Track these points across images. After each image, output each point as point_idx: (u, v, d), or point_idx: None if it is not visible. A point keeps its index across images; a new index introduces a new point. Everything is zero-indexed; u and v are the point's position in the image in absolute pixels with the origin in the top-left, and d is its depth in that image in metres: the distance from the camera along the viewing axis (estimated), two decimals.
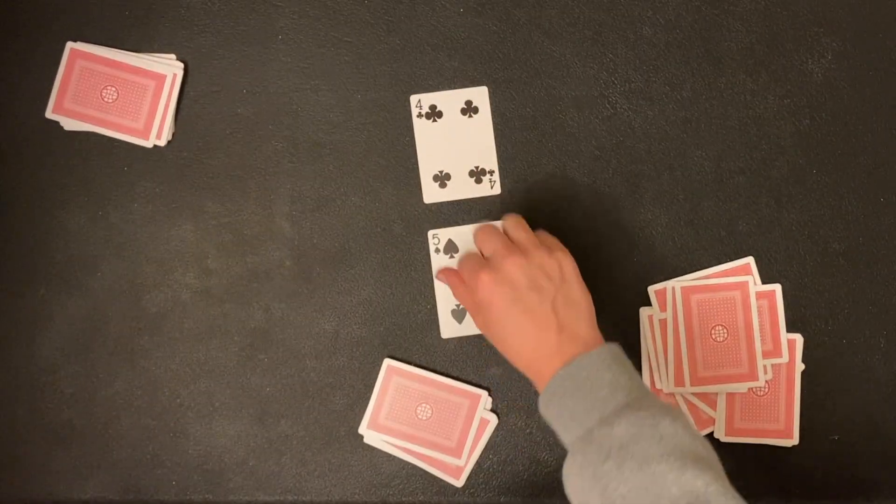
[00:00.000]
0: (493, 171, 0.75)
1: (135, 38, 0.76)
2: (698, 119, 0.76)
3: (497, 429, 0.75)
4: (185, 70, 0.75)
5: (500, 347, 0.66)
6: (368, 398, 0.75)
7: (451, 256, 0.74)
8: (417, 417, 0.74)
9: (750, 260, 0.75)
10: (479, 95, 0.75)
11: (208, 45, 0.76)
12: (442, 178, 0.75)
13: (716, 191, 0.75)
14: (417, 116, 0.75)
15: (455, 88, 0.75)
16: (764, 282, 0.75)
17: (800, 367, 0.74)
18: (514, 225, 0.69)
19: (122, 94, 0.75)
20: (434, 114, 0.75)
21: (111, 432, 0.75)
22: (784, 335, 0.74)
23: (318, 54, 0.76)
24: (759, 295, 0.74)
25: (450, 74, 0.76)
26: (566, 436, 0.61)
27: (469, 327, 0.74)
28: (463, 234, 0.74)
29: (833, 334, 0.75)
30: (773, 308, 0.74)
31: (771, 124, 0.76)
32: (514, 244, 0.68)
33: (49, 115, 0.75)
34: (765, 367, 0.73)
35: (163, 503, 0.75)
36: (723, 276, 0.74)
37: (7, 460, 0.75)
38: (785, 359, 0.74)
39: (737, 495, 0.54)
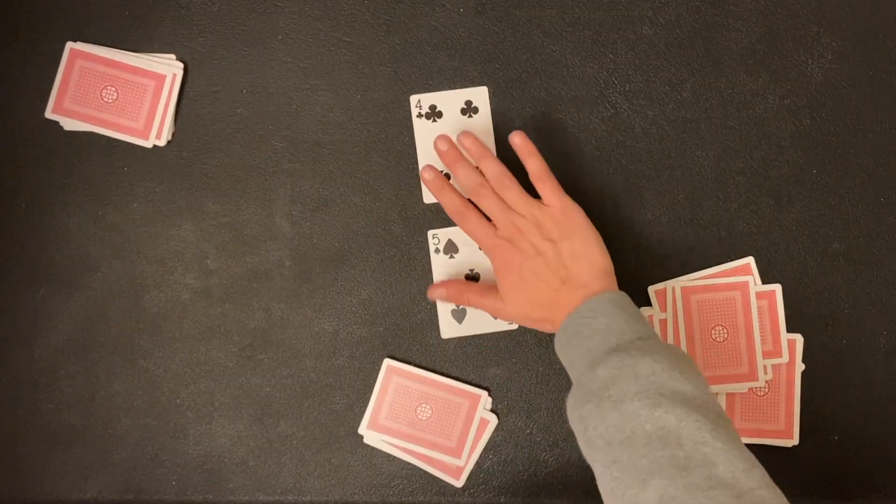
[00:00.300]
0: None
1: (135, 38, 0.76)
2: (698, 119, 0.76)
3: (497, 429, 0.75)
4: (185, 70, 0.75)
5: (516, 311, 0.69)
6: (368, 398, 0.75)
7: (451, 256, 0.74)
8: (417, 417, 0.74)
9: (750, 260, 0.75)
10: (479, 95, 0.75)
11: (208, 45, 0.76)
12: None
13: (716, 191, 0.75)
14: (417, 116, 0.75)
15: (455, 88, 0.75)
16: (764, 282, 0.75)
17: (800, 367, 0.74)
18: (505, 184, 0.69)
19: (122, 94, 0.75)
20: (434, 114, 0.75)
21: (111, 432, 0.75)
22: (784, 335, 0.74)
23: (318, 54, 0.76)
24: (759, 295, 0.74)
25: (450, 74, 0.76)
26: (572, 377, 0.64)
27: (469, 328, 0.74)
28: (463, 235, 0.74)
29: (833, 334, 0.75)
30: (773, 308, 0.74)
31: (771, 124, 0.76)
32: (508, 205, 0.69)
33: (49, 115, 0.75)
34: (765, 367, 0.73)
35: (163, 503, 0.75)
36: (723, 276, 0.74)
37: (7, 461, 0.75)
38: (785, 359, 0.74)
39: (715, 430, 0.54)
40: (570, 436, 0.75)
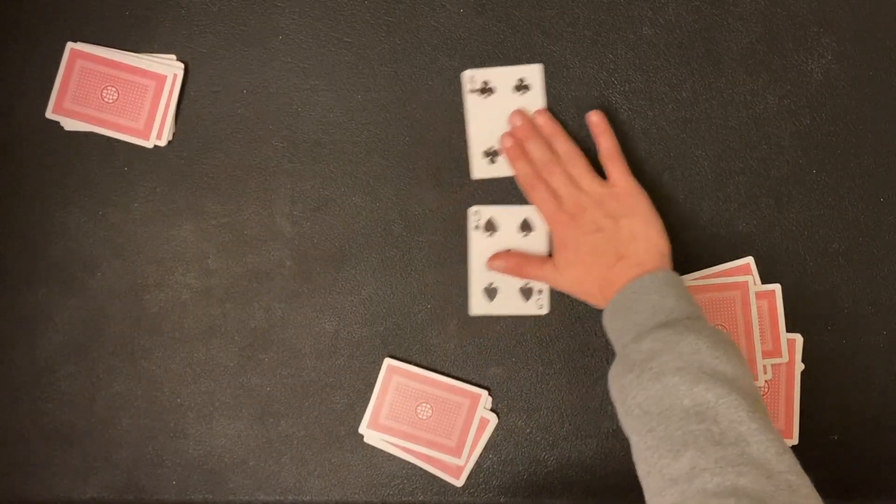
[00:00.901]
0: None
1: (135, 38, 0.76)
2: (698, 119, 0.76)
3: (497, 429, 0.75)
4: (185, 70, 0.75)
5: (571, 283, 0.71)
6: (368, 398, 0.75)
7: (490, 234, 0.74)
8: (417, 417, 0.74)
9: (750, 260, 0.75)
10: (533, 73, 0.75)
11: (208, 45, 0.76)
12: (492, 155, 0.75)
13: (716, 191, 0.76)
14: (470, 91, 0.75)
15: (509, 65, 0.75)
16: (764, 282, 0.75)
17: (800, 367, 0.74)
18: (574, 162, 0.72)
19: (122, 94, 0.75)
20: (486, 89, 0.75)
21: (111, 432, 0.75)
22: (784, 335, 0.74)
23: (318, 54, 0.76)
24: (759, 295, 0.74)
25: (450, 74, 0.76)
26: (616, 351, 0.66)
27: (498, 307, 0.75)
28: (503, 214, 0.74)
29: (833, 334, 0.75)
30: (773, 308, 0.74)
31: (771, 124, 0.76)
32: (577, 185, 0.71)
33: (49, 115, 0.75)
34: (765, 367, 0.73)
35: (163, 503, 0.75)
36: (723, 276, 0.74)
37: (7, 460, 0.75)
38: (785, 359, 0.74)
39: (751, 412, 0.56)
40: (570, 435, 0.75)
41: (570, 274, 0.70)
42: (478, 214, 0.75)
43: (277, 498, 0.75)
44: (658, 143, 0.76)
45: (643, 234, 0.69)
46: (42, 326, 0.75)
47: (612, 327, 0.66)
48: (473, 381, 0.75)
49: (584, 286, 0.70)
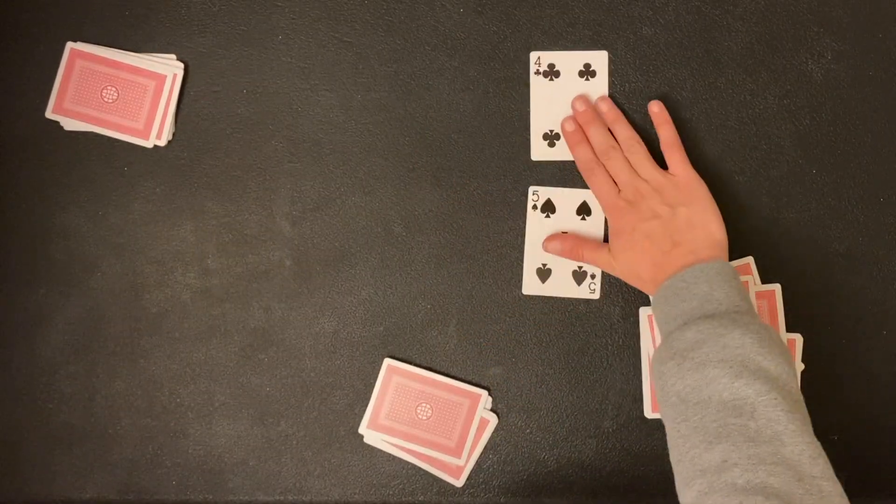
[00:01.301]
0: None
1: (135, 38, 0.76)
2: (698, 119, 0.76)
3: (497, 429, 0.75)
4: (185, 70, 0.75)
5: (625, 268, 0.70)
6: (368, 398, 0.75)
7: (547, 216, 0.74)
8: (417, 417, 0.74)
9: (750, 260, 0.75)
10: (599, 59, 0.75)
11: (208, 45, 0.76)
12: (552, 138, 0.75)
13: (716, 191, 0.75)
14: (535, 73, 0.75)
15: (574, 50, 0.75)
16: (764, 282, 0.75)
17: (800, 367, 0.74)
18: (634, 148, 0.72)
19: (122, 94, 0.75)
20: (552, 73, 0.75)
21: (111, 432, 0.75)
22: (784, 335, 0.74)
23: (318, 54, 0.76)
24: (759, 295, 0.74)
25: (450, 74, 0.76)
26: (660, 336, 0.65)
27: (551, 289, 0.75)
28: (561, 196, 0.74)
29: (833, 334, 0.75)
30: (773, 308, 0.74)
31: (771, 124, 0.76)
32: (636, 172, 0.71)
33: (49, 115, 0.75)
34: None
35: (163, 503, 0.75)
36: None
37: (7, 460, 0.75)
38: None
39: (790, 413, 0.56)
40: (570, 435, 0.75)
41: (624, 260, 0.70)
42: (536, 195, 0.75)
43: (277, 498, 0.75)
44: (658, 142, 0.75)
45: (700, 223, 0.69)
46: (42, 326, 0.75)
47: (660, 313, 0.66)
48: (473, 381, 0.75)
49: (637, 271, 0.69)
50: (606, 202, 0.72)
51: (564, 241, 0.73)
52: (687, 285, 0.64)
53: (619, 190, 0.71)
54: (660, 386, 0.62)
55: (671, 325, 0.64)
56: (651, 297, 0.68)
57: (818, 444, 0.56)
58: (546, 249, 0.74)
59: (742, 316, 0.62)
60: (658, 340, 0.66)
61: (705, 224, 0.69)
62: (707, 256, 0.67)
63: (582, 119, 0.74)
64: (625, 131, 0.73)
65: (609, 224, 0.72)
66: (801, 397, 0.60)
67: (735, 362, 0.58)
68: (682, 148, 0.72)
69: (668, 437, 0.60)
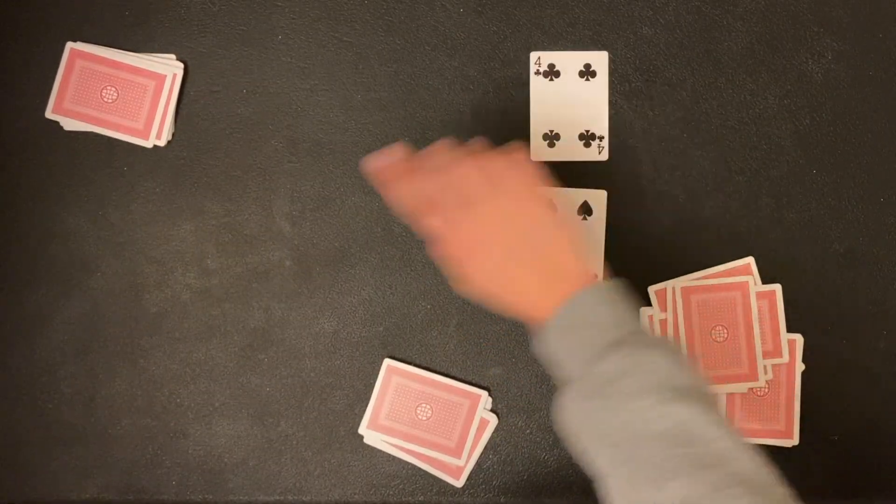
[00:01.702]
0: (604, 137, 0.75)
1: (135, 38, 0.76)
2: (698, 119, 0.76)
3: (497, 429, 0.75)
4: (185, 70, 0.75)
5: (490, 300, 0.61)
6: (368, 398, 0.75)
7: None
8: (417, 417, 0.74)
9: (750, 260, 0.75)
10: (600, 60, 0.75)
11: (208, 45, 0.76)
12: (551, 138, 0.75)
13: (716, 191, 0.75)
14: (535, 73, 0.75)
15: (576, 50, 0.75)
16: (764, 282, 0.75)
17: (800, 367, 0.74)
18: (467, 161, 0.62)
19: (122, 94, 0.75)
20: (552, 73, 0.75)
21: (111, 432, 0.75)
22: (784, 335, 0.74)
23: (318, 54, 0.76)
24: (759, 295, 0.74)
25: (450, 74, 0.76)
26: (559, 375, 0.59)
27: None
28: (563, 196, 0.74)
29: (833, 334, 0.75)
30: (773, 308, 0.74)
31: (771, 124, 0.76)
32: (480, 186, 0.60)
33: (49, 115, 0.75)
34: (765, 367, 0.73)
35: (163, 503, 0.75)
36: (723, 276, 0.74)
37: (7, 460, 0.75)
38: (785, 359, 0.74)
39: (725, 426, 0.53)
40: None
41: (482, 280, 0.60)
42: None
43: (277, 498, 0.75)
44: (658, 143, 0.76)
45: (561, 238, 0.61)
46: (42, 326, 0.75)
47: (558, 349, 0.58)
48: (473, 381, 0.75)
49: (502, 295, 0.60)
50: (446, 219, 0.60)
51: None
52: (580, 314, 0.58)
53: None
54: (583, 430, 0.56)
55: (576, 362, 0.57)
56: (538, 336, 0.60)
57: (750, 445, 0.53)
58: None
59: (645, 336, 0.58)
60: (565, 374, 0.58)
61: (558, 238, 0.61)
62: (582, 276, 0.60)
63: (399, 169, 0.64)
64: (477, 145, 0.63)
65: (451, 243, 0.61)
66: (715, 398, 0.57)
67: (659, 387, 0.54)
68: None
69: (608, 485, 0.54)
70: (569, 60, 0.75)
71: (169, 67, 0.75)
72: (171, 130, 0.75)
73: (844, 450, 0.75)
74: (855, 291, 0.75)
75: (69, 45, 0.75)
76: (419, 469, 0.75)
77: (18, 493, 0.75)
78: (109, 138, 0.75)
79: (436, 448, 0.74)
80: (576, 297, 0.59)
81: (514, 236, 0.60)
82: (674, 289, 0.74)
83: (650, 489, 0.51)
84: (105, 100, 0.75)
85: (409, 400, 0.74)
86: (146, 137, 0.75)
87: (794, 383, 0.74)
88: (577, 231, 0.64)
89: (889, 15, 0.76)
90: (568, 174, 0.75)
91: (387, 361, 0.75)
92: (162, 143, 0.75)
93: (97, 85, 0.75)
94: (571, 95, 0.74)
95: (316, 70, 0.76)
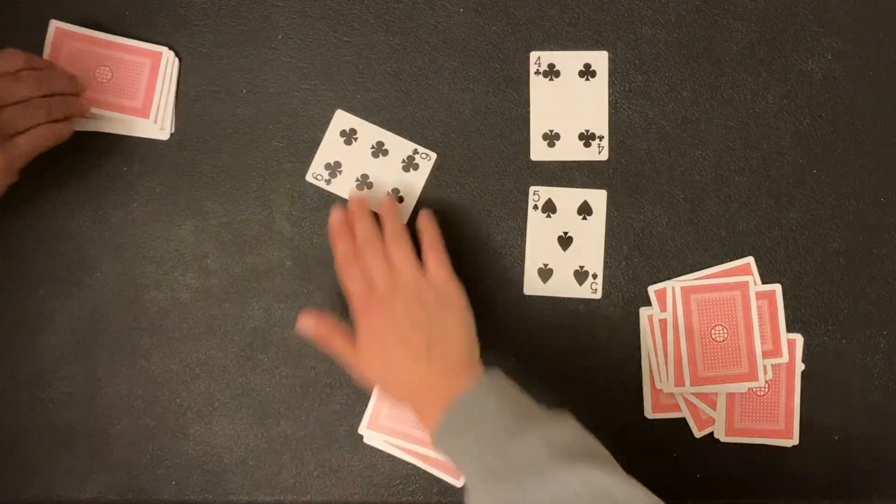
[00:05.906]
0: (604, 137, 0.75)
1: (134, 38, 0.75)
2: (698, 119, 0.76)
3: None
4: (186, 70, 0.75)
5: (377, 382, 0.68)
6: (368, 398, 0.75)
7: (549, 216, 0.74)
8: None
9: (750, 260, 0.75)
10: (600, 59, 0.75)
11: (208, 45, 0.76)
12: (551, 138, 0.75)
13: (716, 191, 0.76)
14: (535, 73, 0.75)
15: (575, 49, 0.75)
16: (764, 282, 0.75)
17: (800, 367, 0.74)
18: (399, 243, 0.68)
19: (117, 73, 0.74)
20: (552, 72, 0.75)
21: (111, 432, 0.75)
22: (784, 335, 0.74)
23: (318, 54, 0.76)
24: (759, 295, 0.74)
25: (449, 74, 0.76)
26: (465, 469, 0.61)
27: (552, 289, 0.74)
28: (563, 196, 0.74)
29: (833, 334, 0.75)
30: (773, 308, 0.74)
31: (771, 124, 0.76)
32: (395, 268, 0.67)
33: None
34: (765, 367, 0.73)
35: (163, 503, 0.75)
36: (723, 276, 0.74)
37: (7, 460, 0.75)
38: (785, 359, 0.74)
39: (636, 482, 0.56)
40: None
41: (378, 364, 0.66)
42: (537, 195, 0.74)
43: (277, 498, 0.75)
44: (658, 143, 0.76)
45: (455, 329, 0.66)
46: (42, 326, 0.75)
47: (458, 444, 0.61)
48: None
49: (396, 381, 0.66)
50: (357, 300, 0.67)
51: (319, 326, 0.68)
52: (476, 408, 0.61)
53: (373, 289, 0.67)
54: None
55: (482, 454, 0.59)
56: (432, 430, 0.63)
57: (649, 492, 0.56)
58: (298, 327, 0.69)
59: (537, 412, 0.62)
60: (465, 470, 0.61)
61: (459, 331, 0.66)
62: (472, 371, 0.64)
63: (352, 209, 0.70)
64: (392, 225, 0.69)
65: (358, 326, 0.67)
66: (614, 461, 0.60)
67: (566, 455, 0.57)
68: (444, 252, 0.69)
69: None
70: (569, 60, 0.75)
71: (163, 49, 0.75)
72: (172, 114, 0.75)
73: (844, 450, 0.75)
74: (855, 291, 0.75)
75: (53, 22, 0.74)
76: (419, 469, 0.75)
77: (18, 493, 0.75)
78: (109, 138, 0.75)
79: None
80: (466, 395, 0.62)
81: (409, 325, 0.65)
82: (674, 289, 0.74)
83: None
84: (99, 80, 0.74)
85: None
86: (147, 116, 0.74)
87: (794, 383, 0.74)
88: (474, 331, 0.67)
89: (889, 15, 0.76)
90: (568, 174, 0.75)
91: None
92: (165, 131, 0.75)
93: (90, 65, 0.74)
94: (571, 95, 0.75)
95: (316, 70, 0.76)
